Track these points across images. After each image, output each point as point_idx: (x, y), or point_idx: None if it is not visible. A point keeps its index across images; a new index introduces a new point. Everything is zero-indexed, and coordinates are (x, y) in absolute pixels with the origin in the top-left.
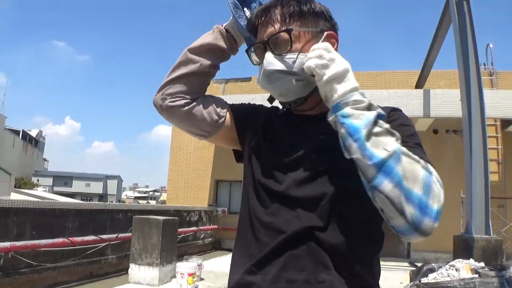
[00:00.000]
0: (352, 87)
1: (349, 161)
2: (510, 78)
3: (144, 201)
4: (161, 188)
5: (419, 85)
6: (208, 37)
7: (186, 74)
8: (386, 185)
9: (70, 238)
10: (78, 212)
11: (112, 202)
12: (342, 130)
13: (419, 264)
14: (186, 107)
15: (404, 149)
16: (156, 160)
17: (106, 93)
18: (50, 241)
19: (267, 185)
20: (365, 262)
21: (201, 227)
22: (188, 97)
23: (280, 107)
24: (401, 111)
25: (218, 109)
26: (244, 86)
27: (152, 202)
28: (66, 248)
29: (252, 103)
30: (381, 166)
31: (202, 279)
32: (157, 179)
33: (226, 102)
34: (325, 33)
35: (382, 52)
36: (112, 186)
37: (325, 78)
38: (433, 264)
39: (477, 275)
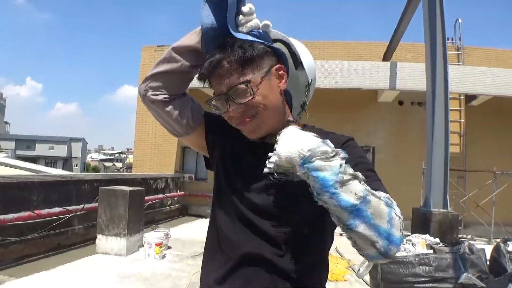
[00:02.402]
0: (317, 142)
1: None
2: (476, 53)
3: (110, 163)
4: (127, 150)
5: (386, 56)
6: (190, 39)
7: (167, 71)
8: (359, 226)
9: (35, 211)
10: (43, 184)
11: (77, 165)
12: (313, 182)
13: None
14: (164, 104)
15: (368, 188)
16: (121, 122)
17: (68, 52)
18: (15, 215)
19: (233, 205)
20: (317, 281)
21: (168, 194)
22: (167, 93)
23: None
24: (353, 140)
25: (194, 116)
26: None
27: (118, 164)
28: (32, 221)
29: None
30: (353, 210)
31: (169, 247)
32: (123, 141)
33: (204, 110)
34: (273, 69)
35: (351, 22)
36: (76, 148)
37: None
38: None
39: (432, 251)
